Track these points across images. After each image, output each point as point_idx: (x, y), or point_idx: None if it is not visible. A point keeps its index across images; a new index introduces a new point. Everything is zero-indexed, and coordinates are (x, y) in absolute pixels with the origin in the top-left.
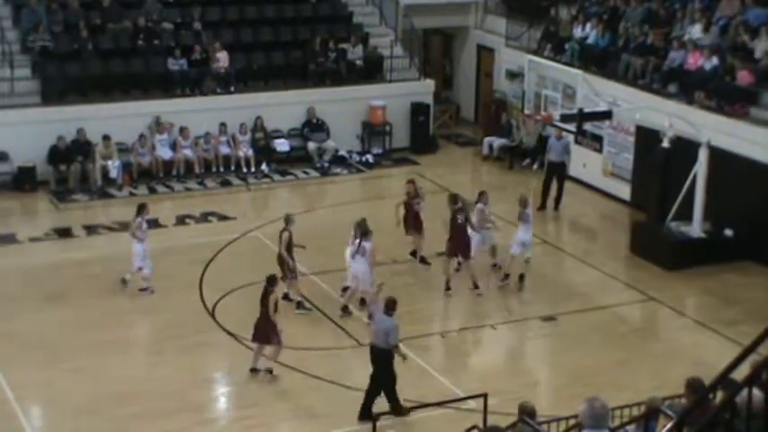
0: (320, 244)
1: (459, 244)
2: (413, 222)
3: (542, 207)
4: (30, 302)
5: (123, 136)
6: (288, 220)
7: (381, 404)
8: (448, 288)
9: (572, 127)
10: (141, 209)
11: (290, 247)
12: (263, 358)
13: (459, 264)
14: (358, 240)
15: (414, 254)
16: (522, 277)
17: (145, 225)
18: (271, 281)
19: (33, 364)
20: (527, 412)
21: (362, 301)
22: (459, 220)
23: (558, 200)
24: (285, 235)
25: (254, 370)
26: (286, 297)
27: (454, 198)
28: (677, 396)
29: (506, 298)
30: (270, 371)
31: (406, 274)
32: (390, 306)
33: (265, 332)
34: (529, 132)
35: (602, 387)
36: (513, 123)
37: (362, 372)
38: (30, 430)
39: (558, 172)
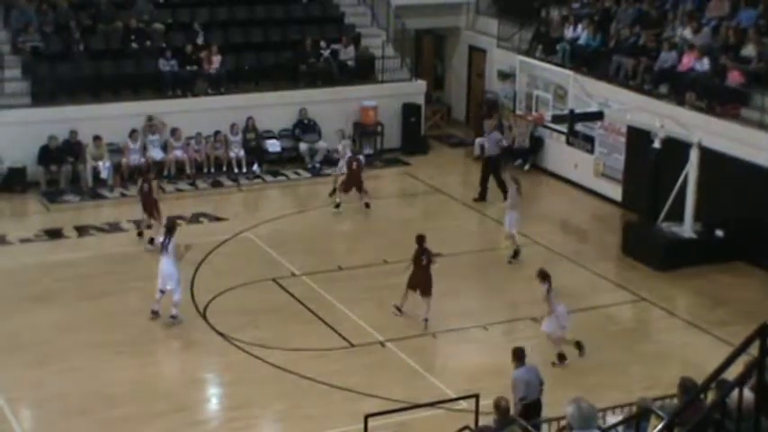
0: (311, 245)
1: None
2: None
3: (482, 199)
4: (20, 303)
5: (114, 137)
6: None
7: (375, 405)
8: None
9: (563, 127)
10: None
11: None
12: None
13: None
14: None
15: None
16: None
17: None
18: (420, 239)
19: (24, 366)
20: (502, 410)
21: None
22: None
23: (503, 191)
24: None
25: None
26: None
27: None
28: (668, 396)
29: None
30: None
31: (396, 275)
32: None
33: (425, 284)
34: (521, 133)
35: (593, 387)
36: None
37: (354, 372)
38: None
39: (491, 165)
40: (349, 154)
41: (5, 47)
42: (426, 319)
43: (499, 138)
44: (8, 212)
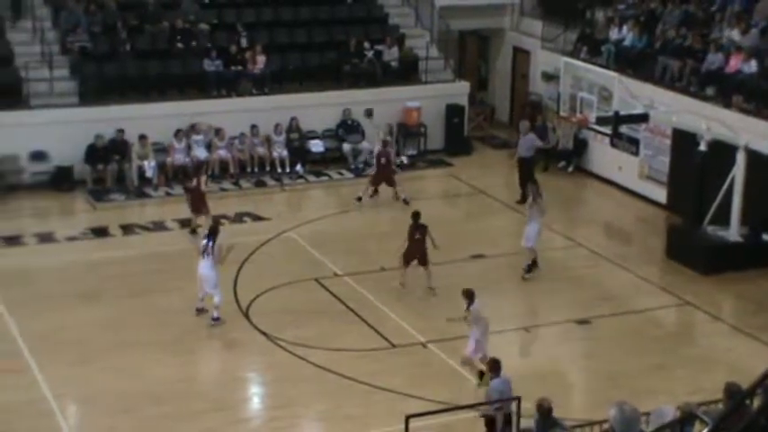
0: (353, 245)
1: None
2: None
3: (524, 200)
4: (66, 301)
5: (159, 136)
6: None
7: (416, 406)
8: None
9: (608, 129)
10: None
11: None
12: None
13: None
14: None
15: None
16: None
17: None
18: (416, 215)
19: (70, 363)
20: (544, 412)
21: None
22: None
23: (524, 194)
24: None
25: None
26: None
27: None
28: (713, 401)
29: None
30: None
31: (439, 276)
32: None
33: (422, 256)
34: (565, 134)
35: (637, 391)
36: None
37: (395, 373)
38: (66, 428)
39: (525, 166)
40: (378, 148)
41: (54, 47)
42: (432, 288)
43: (533, 139)
44: (55, 211)
